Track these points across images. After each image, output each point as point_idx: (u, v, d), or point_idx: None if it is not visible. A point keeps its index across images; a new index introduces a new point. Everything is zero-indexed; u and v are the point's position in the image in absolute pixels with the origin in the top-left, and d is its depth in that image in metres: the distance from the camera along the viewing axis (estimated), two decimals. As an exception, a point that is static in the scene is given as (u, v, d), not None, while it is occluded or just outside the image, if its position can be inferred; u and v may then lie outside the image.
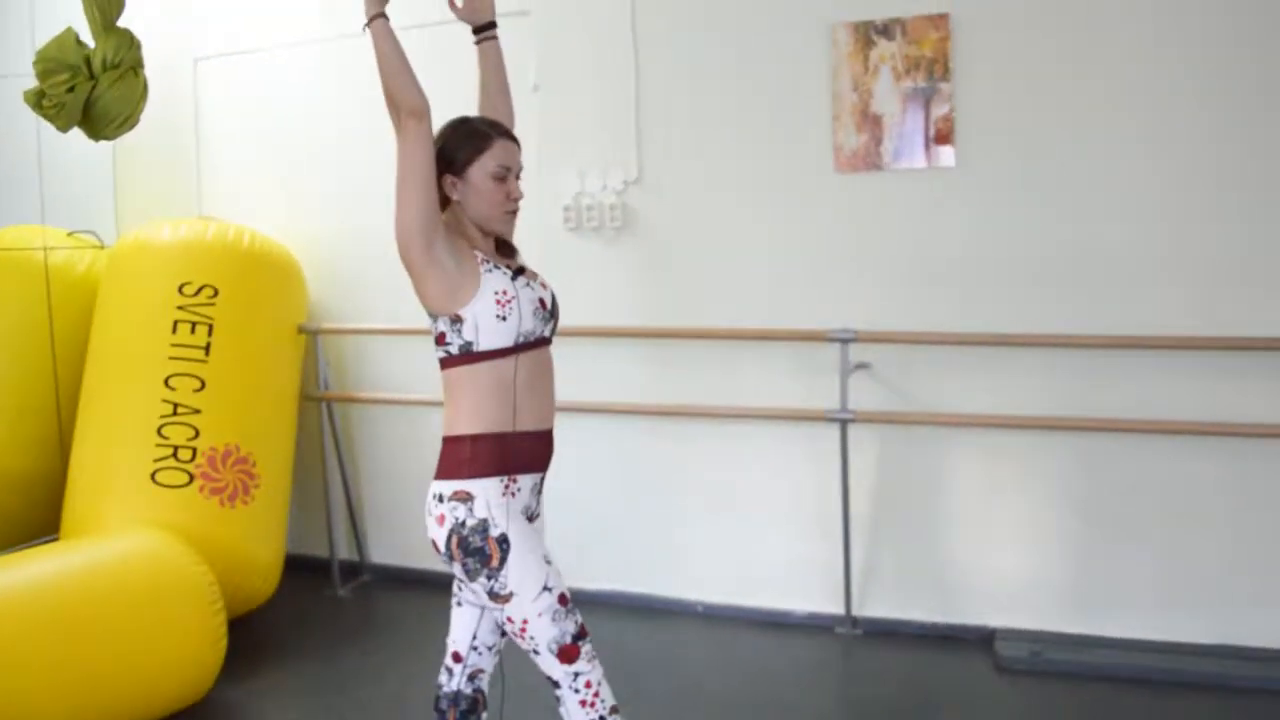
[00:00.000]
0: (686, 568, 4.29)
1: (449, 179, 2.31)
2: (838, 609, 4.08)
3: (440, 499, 2.27)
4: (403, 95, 2.22)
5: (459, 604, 2.45)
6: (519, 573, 2.20)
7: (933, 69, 3.85)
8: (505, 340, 2.26)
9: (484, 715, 2.50)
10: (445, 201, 2.32)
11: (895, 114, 3.90)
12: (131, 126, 2.91)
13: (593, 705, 2.25)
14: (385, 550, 4.85)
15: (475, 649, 2.45)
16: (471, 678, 2.47)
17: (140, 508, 3.81)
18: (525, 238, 4.32)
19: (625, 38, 4.21)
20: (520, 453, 2.29)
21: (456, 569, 2.26)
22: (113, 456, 3.95)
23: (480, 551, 2.20)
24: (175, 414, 3.97)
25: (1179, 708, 3.43)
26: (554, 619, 2.23)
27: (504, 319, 2.25)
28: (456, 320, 2.26)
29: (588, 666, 2.26)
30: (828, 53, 3.95)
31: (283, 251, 4.48)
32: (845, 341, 3.83)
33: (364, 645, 4.12)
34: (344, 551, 4.80)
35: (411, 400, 4.61)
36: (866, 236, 3.98)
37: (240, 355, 4.18)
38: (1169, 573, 3.80)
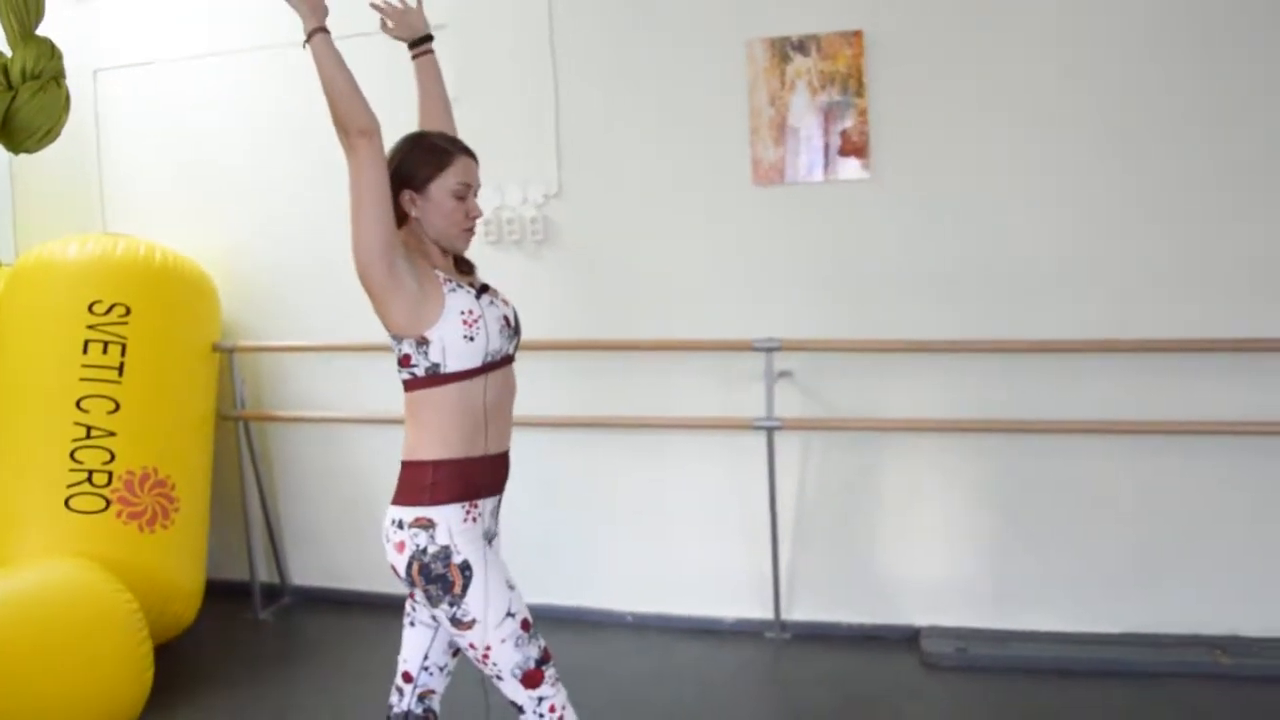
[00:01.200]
0: (615, 578, 4.31)
1: (407, 195, 2.27)
2: (767, 614, 4.14)
3: (400, 525, 2.23)
4: (351, 115, 2.16)
5: (411, 624, 2.43)
6: (481, 599, 2.19)
7: (847, 84, 3.94)
8: (473, 361, 2.24)
9: None
10: (402, 219, 2.28)
11: (811, 128, 3.98)
12: (53, 139, 2.82)
13: None
14: (306, 572, 4.78)
15: (426, 669, 2.44)
16: (422, 698, 2.45)
17: (56, 536, 3.70)
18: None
19: (544, 51, 4.23)
20: (483, 476, 2.29)
21: (418, 594, 2.24)
22: (24, 483, 3.82)
23: (442, 579, 2.18)
24: (89, 437, 3.86)
25: (1095, 695, 3.57)
26: (517, 645, 2.23)
27: (471, 339, 2.23)
28: (423, 342, 2.22)
29: (551, 690, 2.26)
30: (745, 68, 4.02)
31: (194, 268, 4.38)
32: (770, 350, 3.90)
33: (290, 670, 4.06)
34: (264, 574, 4.71)
35: (330, 418, 4.57)
36: (786, 247, 4.06)
37: (155, 375, 4.07)
38: (1083, 567, 3.96)
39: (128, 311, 4.05)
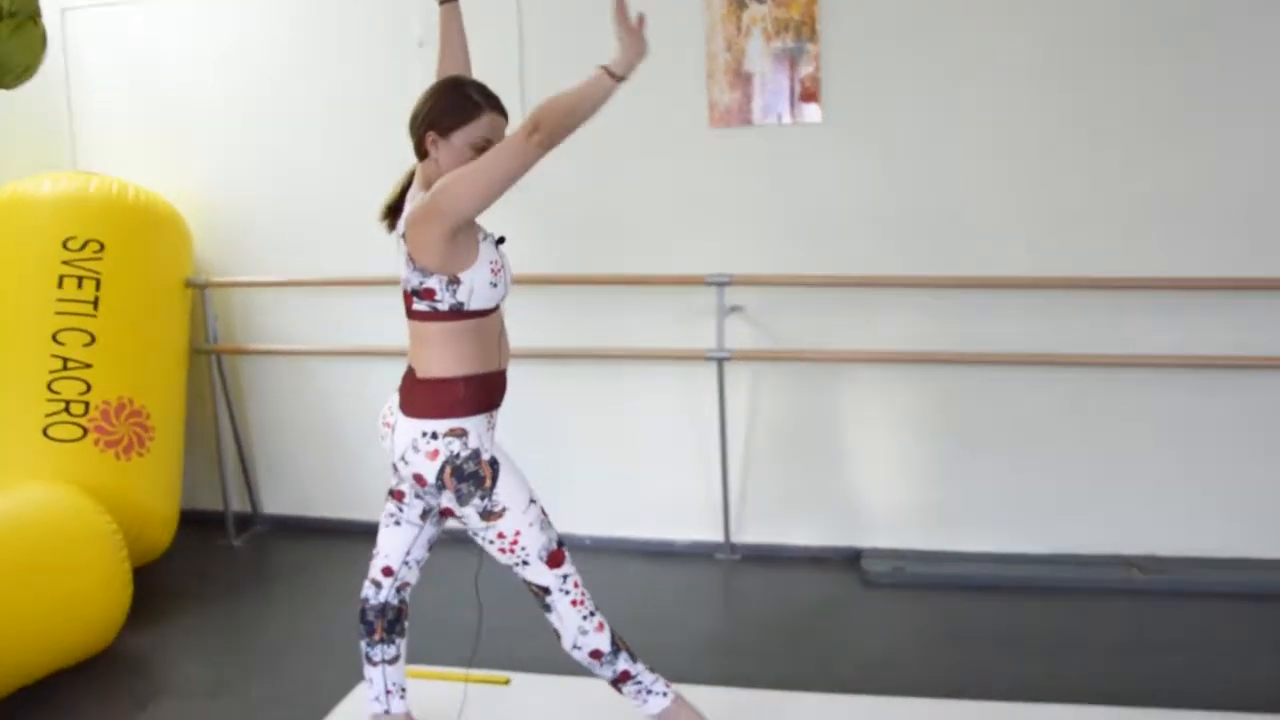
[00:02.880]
0: (574, 503, 4.48)
1: (431, 135, 2.39)
2: (717, 536, 4.36)
3: (433, 436, 2.38)
4: (562, 133, 2.24)
5: (397, 523, 2.62)
6: (509, 490, 2.40)
7: (801, 31, 4.10)
8: (492, 302, 2.42)
9: (406, 624, 2.69)
10: (422, 155, 2.44)
11: (765, 73, 4.14)
12: (30, 76, 2.93)
13: (582, 603, 2.48)
14: (278, 501, 4.94)
15: (406, 564, 2.64)
16: (399, 589, 2.65)
17: (35, 462, 3.82)
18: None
19: (509, -6, 4.34)
20: (498, 389, 2.49)
21: (446, 497, 2.39)
22: (2, 413, 3.94)
23: (475, 475, 2.36)
24: (65, 369, 3.99)
25: (1021, 610, 3.83)
26: (542, 528, 2.44)
27: (494, 285, 2.41)
28: (454, 282, 2.35)
29: (571, 569, 2.48)
30: (703, 14, 4.16)
31: (166, 205, 4.49)
32: (721, 285, 4.09)
33: (264, 591, 4.24)
34: (237, 503, 4.87)
35: (300, 351, 4.71)
36: (739, 187, 4.23)
37: (129, 309, 4.20)
38: (1014, 491, 4.21)
39: (101, 248, 4.16)
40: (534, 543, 2.42)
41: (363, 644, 2.69)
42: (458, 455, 2.37)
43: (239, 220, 4.73)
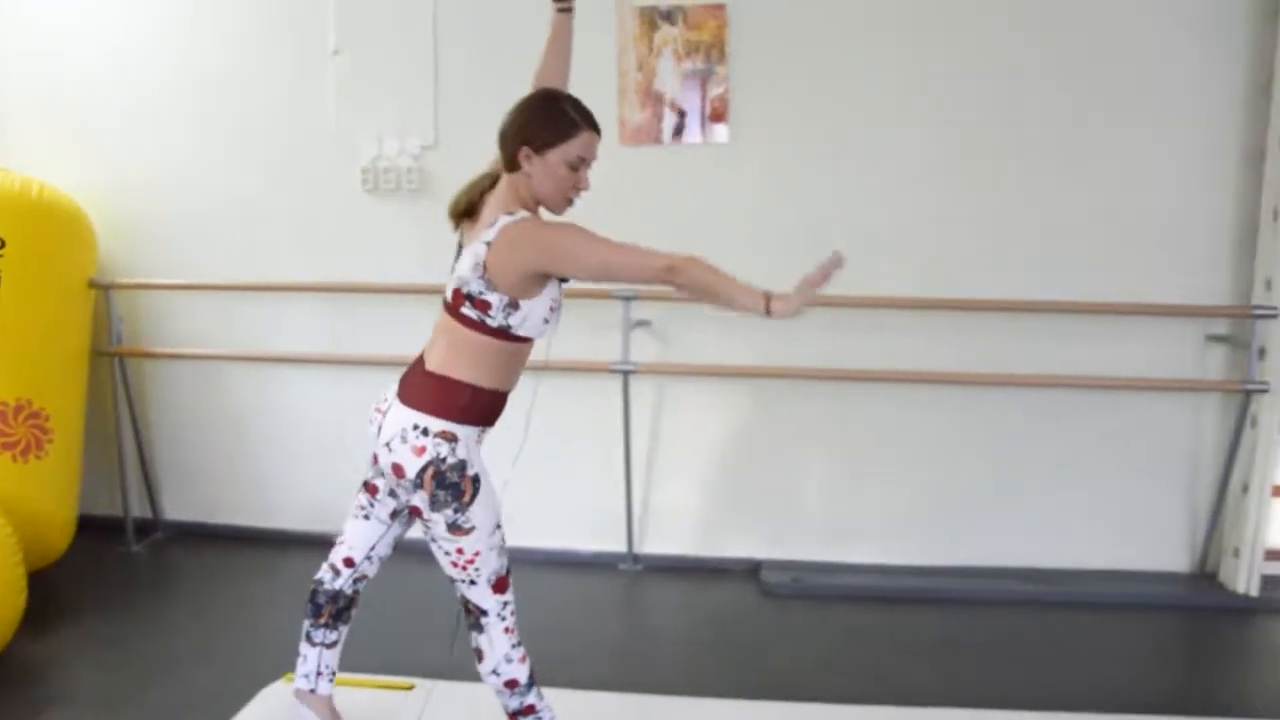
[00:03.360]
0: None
1: (525, 150, 2.34)
2: (621, 547, 4.44)
3: (424, 432, 2.35)
4: (690, 289, 2.33)
5: (366, 518, 2.63)
6: (482, 511, 2.38)
7: (710, 53, 4.20)
8: (537, 334, 2.39)
9: (354, 613, 2.72)
10: (513, 166, 2.38)
11: (676, 93, 4.24)
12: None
13: (513, 632, 2.49)
14: (180, 507, 4.88)
15: (369, 559, 2.65)
16: (357, 582, 2.67)
17: (-73, 463, 3.76)
18: (321, 198, 4.49)
19: (425, 6, 4.36)
20: (499, 409, 2.46)
21: (419, 496, 2.36)
22: (-105, 412, 3.86)
23: (455, 487, 2.34)
24: (-39, 369, 3.92)
25: (913, 619, 3.98)
26: (499, 554, 2.44)
27: (547, 321, 2.39)
28: (513, 305, 2.31)
29: (511, 597, 2.48)
30: (615, 33, 4.25)
31: (70, 204, 4.40)
32: (627, 299, 4.17)
33: (163, 598, 4.19)
34: (137, 509, 4.80)
35: (206, 355, 4.67)
36: (648, 204, 4.31)
37: (31, 308, 4.12)
38: (904, 506, 4.36)
39: (2, 244, 4.09)
40: (488, 566, 2.42)
41: (306, 623, 2.70)
42: (444, 460, 2.34)
43: (147, 221, 4.67)
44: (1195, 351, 4.26)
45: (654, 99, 4.25)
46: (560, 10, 2.78)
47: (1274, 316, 4.00)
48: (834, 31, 4.19)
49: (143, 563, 4.59)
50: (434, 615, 3.67)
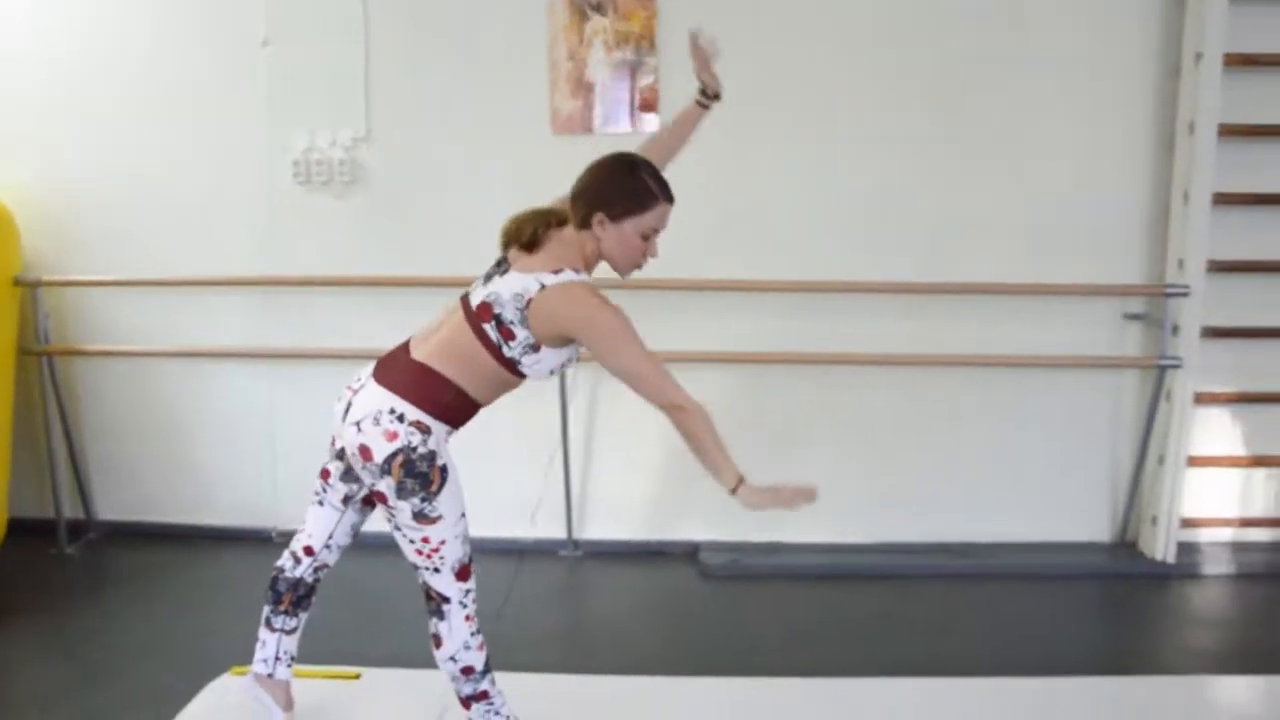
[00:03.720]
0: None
1: (600, 216, 2.38)
2: (561, 534, 4.49)
3: (400, 418, 2.34)
4: (678, 427, 2.40)
5: (320, 504, 2.62)
6: (449, 500, 2.39)
7: (640, 43, 4.25)
8: (537, 377, 2.43)
9: (313, 600, 2.72)
10: (585, 225, 2.41)
11: (606, 82, 4.28)
12: None
13: (473, 619, 2.51)
14: (113, 507, 4.80)
15: (328, 547, 2.65)
16: (317, 570, 2.67)
17: None
18: (253, 191, 4.46)
19: (354, -1, 4.37)
20: (470, 417, 2.47)
21: (385, 483, 2.35)
22: None
23: (424, 476, 2.33)
24: (-117, 371, 3.84)
25: (849, 595, 4.10)
26: (463, 542, 2.45)
27: (553, 372, 2.43)
28: (534, 348, 2.36)
29: (473, 585, 2.50)
30: (546, 23, 4.27)
31: (-8, 200, 4.34)
32: (564, 289, 4.21)
33: (99, 598, 4.14)
34: (69, 510, 4.71)
35: (137, 352, 4.60)
36: (581, 194, 4.36)
37: (-46, 309, 4.06)
38: (839, 485, 4.41)
39: (-77, 245, 4.02)
40: (452, 554, 2.44)
41: (266, 609, 2.70)
42: (414, 449, 2.34)
43: (74, 217, 4.57)
44: (1114, 330, 4.42)
45: (585, 88, 4.29)
46: (700, 104, 2.84)
47: (1185, 295, 4.17)
48: (764, 22, 4.26)
49: (77, 564, 4.53)
50: (378, 606, 3.71)
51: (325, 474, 2.61)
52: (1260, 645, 3.76)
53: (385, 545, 4.32)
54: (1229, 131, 4.12)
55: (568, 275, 2.35)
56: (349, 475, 2.56)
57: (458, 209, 4.41)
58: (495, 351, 2.36)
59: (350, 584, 3.75)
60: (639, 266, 2.51)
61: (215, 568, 4.43)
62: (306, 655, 2.96)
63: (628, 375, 2.35)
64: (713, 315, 4.36)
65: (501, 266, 2.45)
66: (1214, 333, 4.27)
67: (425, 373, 2.39)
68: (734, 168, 4.33)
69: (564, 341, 2.37)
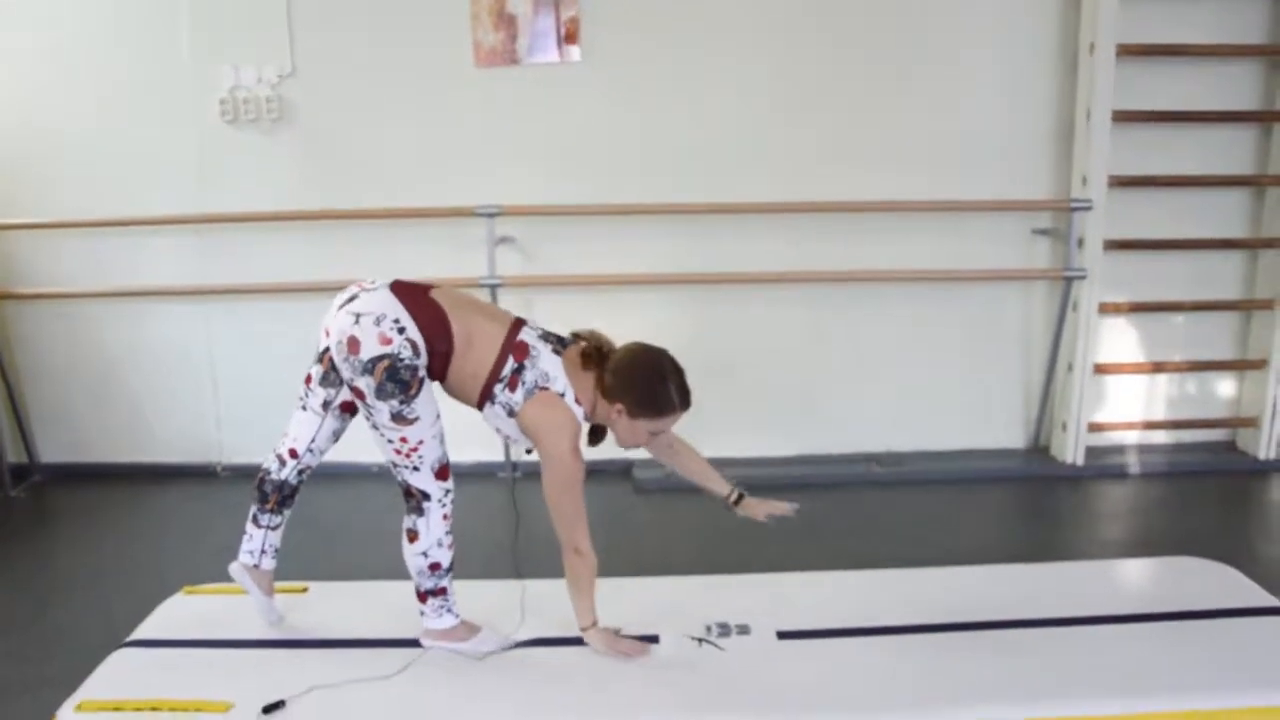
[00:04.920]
0: (359, 431, 4.66)
1: (618, 407, 2.53)
2: (498, 457, 4.63)
3: (400, 330, 2.45)
4: (566, 567, 2.66)
5: (304, 409, 2.73)
6: (425, 403, 2.50)
7: (560, -26, 4.34)
8: (487, 420, 2.62)
9: (297, 498, 2.84)
10: (606, 397, 2.55)
11: (528, 14, 4.36)
12: None
13: (449, 519, 2.66)
14: (56, 449, 4.89)
15: (310, 450, 2.76)
16: (300, 472, 2.79)
17: None
18: (181, 131, 4.49)
19: (274, -65, 4.39)
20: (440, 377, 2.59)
21: (364, 381, 2.46)
22: None
23: (404, 383, 2.44)
24: None
25: (774, 504, 4.27)
26: (440, 442, 2.58)
27: (499, 431, 2.64)
28: (510, 413, 2.54)
29: (452, 486, 2.65)
30: (466, -44, 4.34)
31: (-83, 149, 4.34)
32: (491, 216, 4.33)
33: (46, 536, 4.24)
34: (11, 454, 4.78)
35: (71, 294, 4.65)
36: (506, 124, 4.46)
37: (-116, 255, 4.07)
38: (766, 399, 4.66)
39: None
40: (431, 454, 2.57)
41: (253, 508, 2.82)
42: (401, 360, 2.44)
43: (3, 161, 4.58)
44: (1023, 244, 4.63)
45: (507, 21, 4.36)
46: (727, 499, 2.91)
47: (1088, 209, 4.37)
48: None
49: (22, 506, 4.60)
50: (322, 531, 3.83)
51: (308, 379, 2.72)
52: (1159, 535, 4.03)
53: (363, 475, 4.48)
54: (1128, 51, 4.31)
55: (575, 409, 2.54)
56: (328, 380, 2.67)
57: (385, 143, 4.50)
58: (492, 377, 2.52)
59: (348, 509, 3.94)
60: (637, 447, 2.69)
61: (162, 502, 4.53)
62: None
63: (554, 506, 2.57)
64: (647, 239, 4.50)
65: (562, 345, 2.62)
66: (1117, 245, 4.49)
67: (440, 317, 2.52)
68: (664, 99, 4.46)
69: (526, 434, 2.56)
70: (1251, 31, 4.44)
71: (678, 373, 2.62)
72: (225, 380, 4.73)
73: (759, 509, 2.90)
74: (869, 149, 4.49)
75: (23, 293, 4.67)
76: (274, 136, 4.50)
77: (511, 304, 4.42)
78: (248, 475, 4.62)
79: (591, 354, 2.60)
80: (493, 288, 4.36)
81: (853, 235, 4.50)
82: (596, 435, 2.72)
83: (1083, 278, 4.44)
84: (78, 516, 4.42)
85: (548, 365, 2.55)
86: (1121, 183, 4.42)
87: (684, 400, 2.60)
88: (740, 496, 2.90)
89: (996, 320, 4.71)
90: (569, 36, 4.37)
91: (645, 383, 2.56)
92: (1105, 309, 4.57)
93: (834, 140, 4.48)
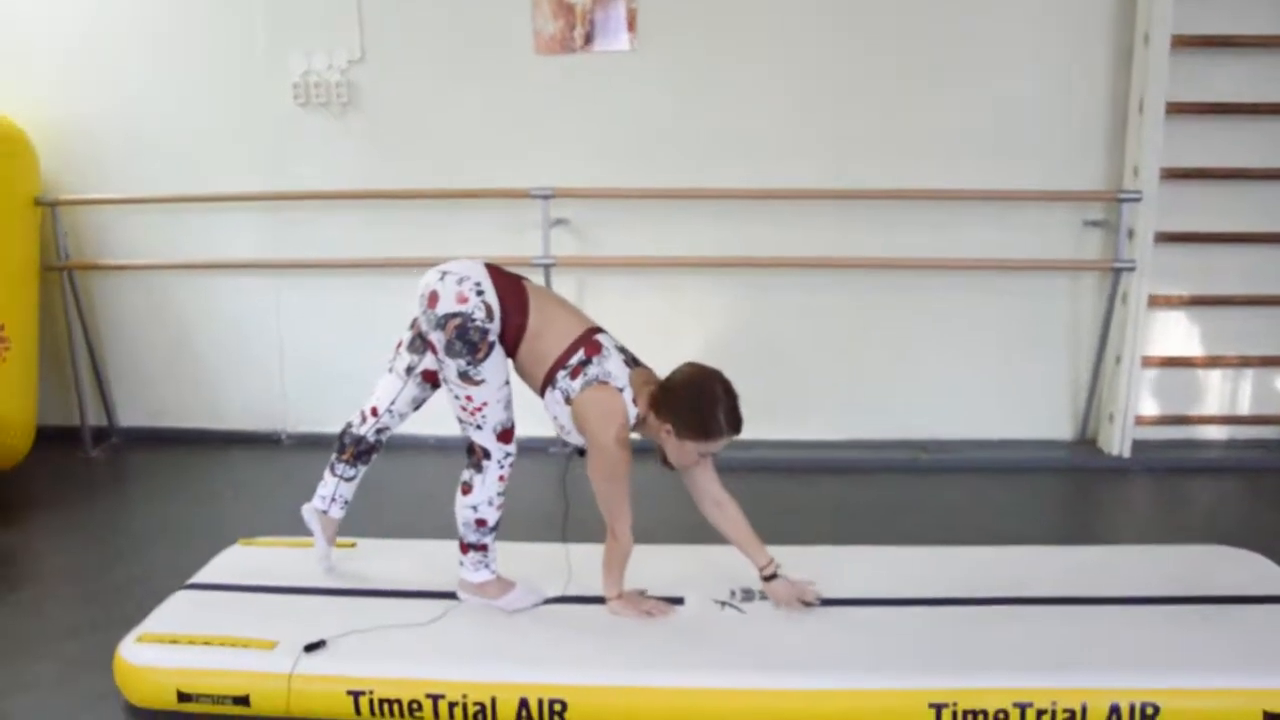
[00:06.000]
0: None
1: (668, 428, 2.64)
2: (552, 433, 4.75)
3: (480, 293, 2.63)
4: (609, 528, 2.78)
5: (390, 370, 2.93)
6: (493, 368, 2.65)
7: (619, -36, 4.46)
8: (547, 408, 2.77)
9: (375, 457, 3.03)
10: (658, 415, 2.67)
11: (586, 4, 4.49)
12: None
13: (504, 479, 2.80)
14: (133, 414, 5.13)
15: (390, 411, 2.95)
16: (379, 431, 2.98)
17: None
18: (256, 114, 4.68)
19: (347, -75, 4.57)
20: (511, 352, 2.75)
21: (436, 336, 2.62)
22: None
23: (472, 344, 2.60)
24: (-83, 283, 4.12)
25: (819, 488, 4.41)
26: (505, 407, 2.73)
27: (551, 413, 2.78)
28: (566, 399, 2.68)
29: (514, 449, 2.79)
30: (527, -53, 4.48)
31: (9, 123, 4.54)
32: (545, 198, 4.46)
33: (121, 494, 4.48)
34: (93, 417, 5.03)
35: (151, 265, 4.88)
36: (563, 109, 4.60)
37: (-21, 226, 4.31)
38: (813, 384, 4.75)
39: (-51, 167, 4.28)
40: (494, 416, 2.71)
41: (332, 456, 3.02)
42: (474, 319, 2.60)
43: (88, 141, 4.82)
44: (1074, 235, 4.63)
45: (566, 10, 4.49)
46: (763, 573, 2.90)
47: (1138, 200, 4.37)
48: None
49: (100, 465, 4.85)
50: (372, 490, 3.99)
51: (399, 344, 2.91)
52: (1202, 528, 4.01)
53: (424, 447, 4.64)
54: (1182, 42, 4.30)
55: (629, 406, 2.67)
56: (414, 346, 2.86)
57: (447, 127, 4.66)
58: (558, 363, 2.66)
59: (399, 479, 4.15)
60: (687, 467, 2.78)
61: (228, 467, 4.75)
62: (309, 533, 3.25)
63: (598, 492, 2.71)
64: (695, 224, 4.60)
65: (636, 363, 2.79)
66: (1167, 237, 4.47)
67: (522, 295, 2.70)
68: (716, 87, 4.55)
69: (577, 420, 2.68)
70: (1310, 23, 4.41)
71: (730, 396, 2.66)
72: (292, 352, 4.94)
73: (782, 594, 2.85)
74: (917, 137, 4.53)
75: (107, 263, 4.91)
76: (343, 120, 4.69)
77: (564, 284, 4.60)
78: (310, 444, 4.90)
79: (655, 381, 2.73)
80: (546, 267, 4.49)
81: (903, 224, 4.56)
82: (665, 458, 2.79)
83: (1132, 269, 4.43)
84: (150, 477, 4.66)
85: (614, 367, 2.68)
86: (1174, 175, 4.41)
87: (733, 425, 2.65)
88: (774, 575, 2.87)
89: (1045, 311, 4.72)
90: (626, 25, 4.49)
91: (695, 405, 2.63)
92: (1156, 301, 4.56)
93: (882, 128, 4.53)
